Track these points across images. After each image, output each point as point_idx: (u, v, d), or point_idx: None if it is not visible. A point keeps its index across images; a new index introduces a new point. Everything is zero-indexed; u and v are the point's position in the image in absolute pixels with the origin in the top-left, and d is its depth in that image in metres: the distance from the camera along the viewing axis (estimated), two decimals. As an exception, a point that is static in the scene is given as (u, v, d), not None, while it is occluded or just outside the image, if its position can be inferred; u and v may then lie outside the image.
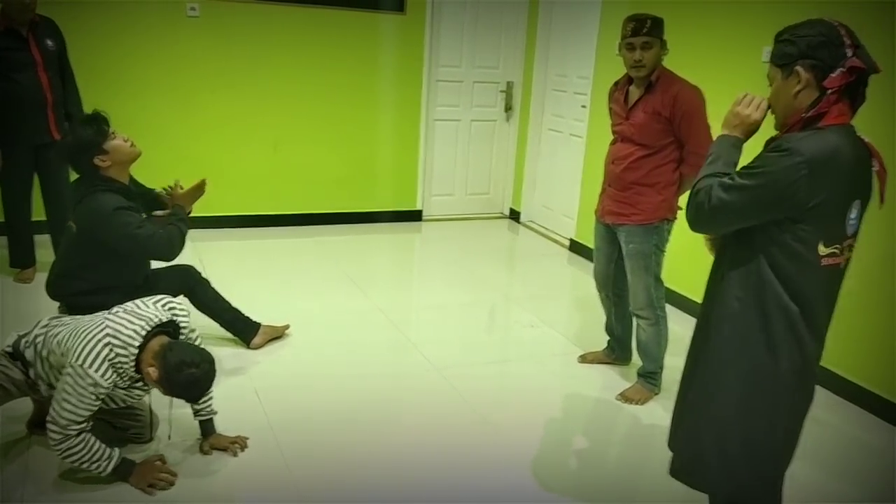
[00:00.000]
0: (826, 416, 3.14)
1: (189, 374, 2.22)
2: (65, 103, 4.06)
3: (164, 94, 5.00)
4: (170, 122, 4.98)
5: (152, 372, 2.23)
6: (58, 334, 2.32)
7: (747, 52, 3.72)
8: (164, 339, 2.31)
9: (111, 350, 2.22)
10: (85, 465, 2.26)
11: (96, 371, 2.19)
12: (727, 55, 3.85)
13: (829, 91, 1.63)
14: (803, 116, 1.67)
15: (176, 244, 2.85)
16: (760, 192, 1.65)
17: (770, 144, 1.71)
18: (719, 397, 1.83)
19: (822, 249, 1.66)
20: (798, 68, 1.67)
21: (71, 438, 2.21)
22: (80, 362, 2.18)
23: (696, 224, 1.84)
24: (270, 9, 5.13)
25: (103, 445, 2.29)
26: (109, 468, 2.30)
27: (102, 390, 2.21)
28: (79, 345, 2.21)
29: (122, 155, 2.81)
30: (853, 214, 1.68)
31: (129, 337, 2.25)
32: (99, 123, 2.77)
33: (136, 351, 2.25)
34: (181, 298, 2.90)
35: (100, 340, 2.22)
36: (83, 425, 2.23)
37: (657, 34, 2.83)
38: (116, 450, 2.32)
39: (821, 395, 3.32)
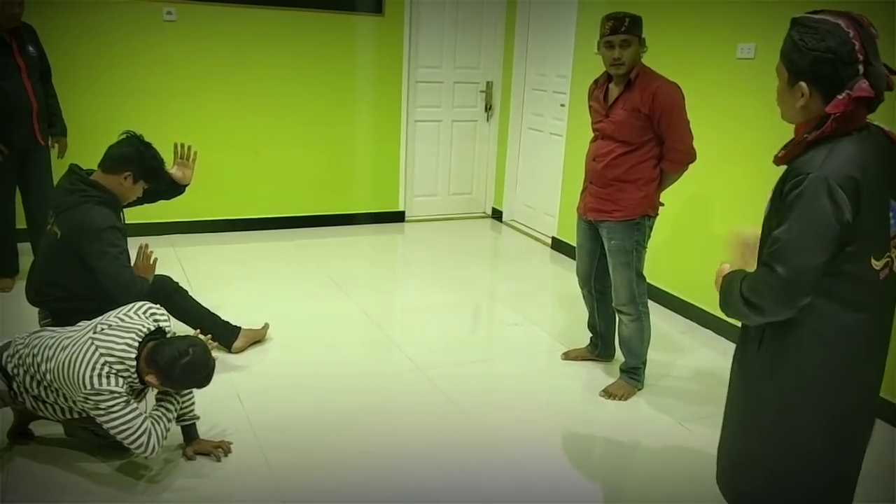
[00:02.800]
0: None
1: (184, 365, 2.26)
2: (47, 109, 4.05)
3: (141, 99, 4.97)
4: (148, 127, 4.85)
5: (152, 379, 2.27)
6: (47, 360, 2.30)
7: (722, 49, 3.76)
8: (149, 346, 2.31)
9: (111, 367, 2.23)
10: (170, 429, 2.39)
11: (108, 383, 2.21)
12: (702, 53, 3.88)
13: (832, 117, 1.52)
14: (806, 139, 1.57)
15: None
16: (810, 242, 1.51)
17: (786, 176, 1.58)
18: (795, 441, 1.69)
19: (875, 263, 1.56)
20: (802, 84, 1.56)
21: (151, 435, 2.29)
22: (89, 388, 2.20)
23: (776, 309, 1.59)
24: (248, 12, 5.11)
25: (160, 413, 2.37)
26: (176, 411, 2.43)
27: (123, 395, 2.24)
28: (78, 376, 2.21)
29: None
30: (893, 214, 1.58)
31: (123, 351, 2.26)
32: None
33: (135, 363, 2.27)
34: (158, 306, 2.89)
35: (96, 362, 2.22)
36: (144, 420, 2.28)
37: (636, 32, 2.85)
38: (166, 403, 2.40)
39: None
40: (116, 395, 2.22)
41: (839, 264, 1.54)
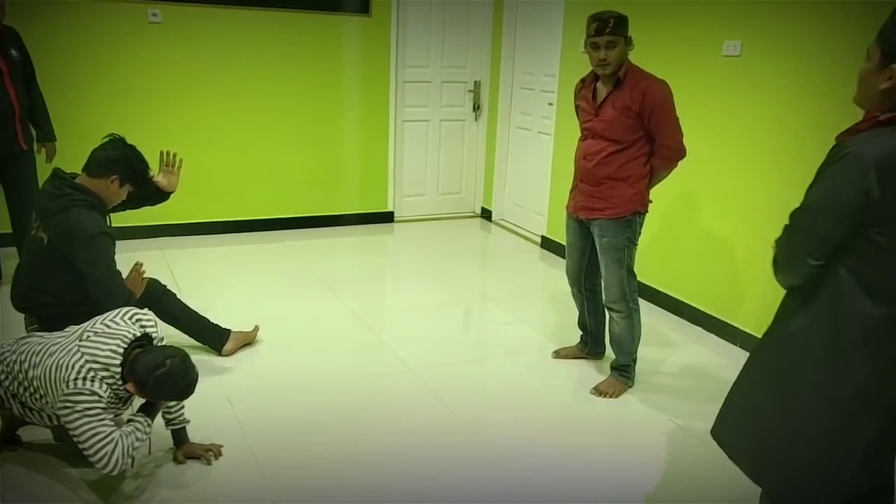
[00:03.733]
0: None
1: (159, 376, 2.21)
2: (31, 113, 4.02)
3: (127, 101, 4.93)
4: (133, 129, 4.85)
5: (131, 388, 2.25)
6: (34, 366, 2.27)
7: (708, 47, 3.78)
8: (132, 354, 2.29)
9: (95, 373, 2.21)
10: (141, 445, 2.27)
11: (91, 385, 2.18)
12: (689, 50, 3.90)
13: None
14: (877, 118, 1.55)
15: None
16: (825, 207, 1.54)
17: (832, 149, 1.57)
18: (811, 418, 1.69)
19: None
20: (894, 66, 1.53)
21: (117, 446, 2.18)
22: (71, 388, 2.16)
23: (787, 269, 1.67)
24: (234, 13, 5.09)
25: (133, 427, 2.27)
26: (149, 429, 2.31)
27: (104, 401, 2.20)
28: (62, 379, 2.19)
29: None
30: None
31: (108, 357, 2.24)
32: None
33: (119, 370, 2.24)
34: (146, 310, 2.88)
35: (81, 367, 2.20)
36: (113, 431, 2.19)
37: (621, 32, 2.85)
38: (140, 417, 2.31)
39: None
40: (96, 398, 2.18)
41: (864, 244, 1.53)
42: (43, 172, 3.88)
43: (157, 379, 2.21)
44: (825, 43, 3.20)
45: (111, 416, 2.25)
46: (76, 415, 2.17)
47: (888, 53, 1.54)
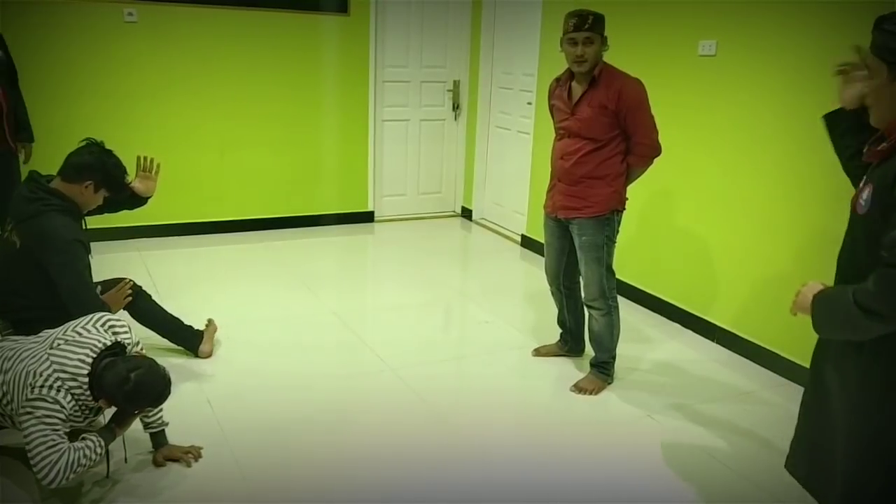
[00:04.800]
0: (772, 396, 3.23)
1: (128, 391, 2.19)
2: (16, 111, 4.02)
3: (103, 101, 4.89)
4: (110, 130, 4.85)
5: (104, 404, 2.24)
6: (3, 371, 2.24)
7: (683, 47, 3.82)
8: (103, 362, 2.27)
9: (63, 383, 2.18)
10: (90, 465, 2.20)
11: (55, 394, 2.15)
12: (664, 50, 3.94)
13: None
14: None
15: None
16: None
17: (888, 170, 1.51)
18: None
19: None
20: None
21: (62, 457, 2.11)
22: (34, 394, 2.14)
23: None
24: (211, 12, 5.05)
25: (85, 441, 2.21)
26: (101, 451, 2.23)
27: (65, 412, 2.16)
28: (28, 386, 2.16)
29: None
30: None
31: (76, 367, 2.21)
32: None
33: (87, 380, 2.21)
34: (121, 313, 2.85)
35: (49, 376, 2.17)
36: (66, 444, 2.14)
37: (598, 30, 2.88)
38: (93, 435, 2.23)
39: (767, 375, 3.43)
40: (58, 408, 2.14)
41: None
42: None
43: (126, 395, 2.20)
44: (798, 43, 3.25)
45: (68, 428, 2.19)
46: (33, 420, 2.13)
47: (893, 62, 1.52)
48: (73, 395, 2.20)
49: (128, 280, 3.05)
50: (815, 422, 1.86)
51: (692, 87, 3.81)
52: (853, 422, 1.69)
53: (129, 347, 2.42)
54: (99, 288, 2.96)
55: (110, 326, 2.39)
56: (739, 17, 3.51)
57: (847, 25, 3.02)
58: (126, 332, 2.43)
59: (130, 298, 3.08)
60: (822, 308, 1.65)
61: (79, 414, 2.25)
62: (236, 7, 5.11)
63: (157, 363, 2.32)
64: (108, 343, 2.31)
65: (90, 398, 2.23)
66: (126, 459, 2.53)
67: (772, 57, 3.38)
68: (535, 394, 3.25)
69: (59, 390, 2.17)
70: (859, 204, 1.61)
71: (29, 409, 2.14)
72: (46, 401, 2.14)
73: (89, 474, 2.41)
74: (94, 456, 2.20)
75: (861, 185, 1.67)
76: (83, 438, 2.22)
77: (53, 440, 2.13)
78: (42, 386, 2.15)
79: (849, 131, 1.86)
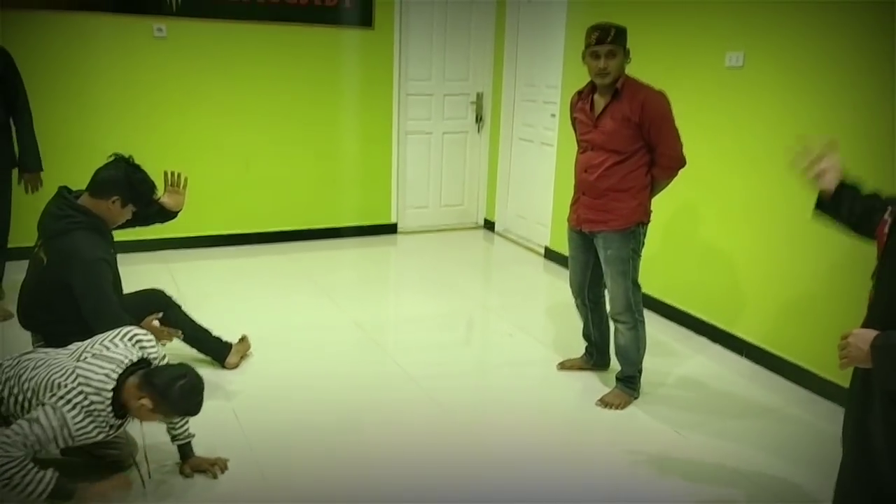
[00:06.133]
0: (800, 412, 3.18)
1: (183, 385, 2.23)
2: (15, 126, 3.91)
3: (132, 116, 4.96)
4: (139, 144, 4.93)
5: (146, 402, 2.22)
6: (30, 379, 2.27)
7: (710, 58, 3.79)
8: (139, 373, 2.28)
9: (86, 397, 2.19)
10: (18, 490, 2.12)
11: (69, 412, 2.15)
12: (691, 62, 3.91)
13: None
14: None
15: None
16: None
17: None
18: None
19: None
20: None
21: (12, 461, 2.08)
22: (56, 403, 2.15)
23: None
24: (238, 27, 5.12)
25: (41, 470, 2.16)
26: (47, 491, 2.16)
27: (66, 435, 2.15)
28: (54, 394, 2.18)
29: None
30: None
31: (101, 382, 2.22)
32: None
33: (111, 395, 2.22)
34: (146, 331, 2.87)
35: (73, 388, 2.18)
36: (24, 454, 2.11)
37: (621, 42, 2.87)
38: (50, 471, 2.19)
39: (794, 391, 3.38)
40: (53, 427, 2.11)
41: None
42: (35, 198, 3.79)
43: (182, 389, 2.22)
44: (828, 55, 3.21)
45: (55, 448, 2.16)
46: (26, 419, 2.13)
47: None
48: (91, 412, 2.19)
49: (158, 315, 3.05)
50: (859, 478, 1.73)
51: (719, 99, 3.78)
52: None
53: (156, 362, 2.44)
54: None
55: (137, 341, 2.41)
56: (767, 28, 3.48)
57: (879, 36, 2.98)
58: (153, 347, 2.44)
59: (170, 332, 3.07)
60: (891, 358, 1.52)
61: (90, 431, 2.22)
62: (263, 22, 5.17)
63: (198, 374, 2.34)
64: (135, 359, 2.32)
65: (111, 414, 2.23)
66: (150, 475, 2.53)
67: (801, 69, 3.34)
68: (560, 408, 3.23)
69: (74, 406, 2.16)
70: None
71: (37, 410, 2.15)
72: (52, 416, 2.13)
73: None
74: (25, 485, 2.10)
75: None
76: (46, 468, 2.15)
77: (14, 445, 2.09)
78: (62, 398, 2.16)
79: (843, 205, 1.86)
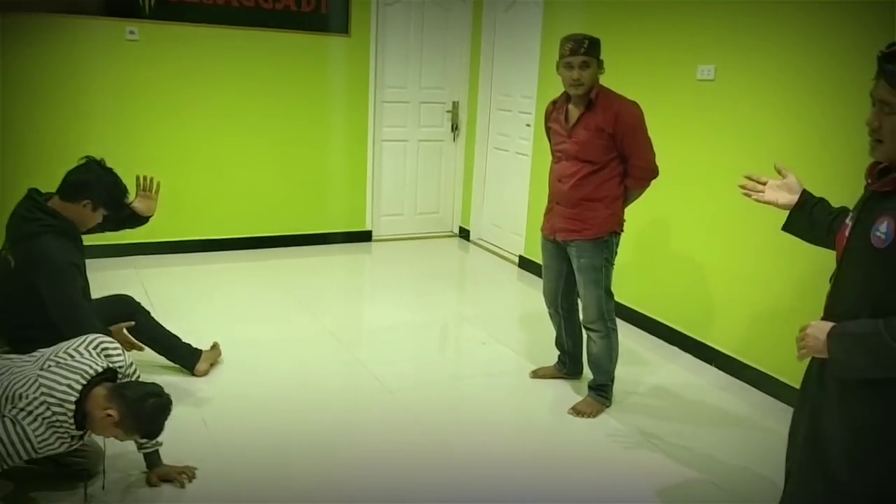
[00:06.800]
0: (770, 422, 3.22)
1: (154, 403, 2.20)
2: None
3: (103, 119, 4.90)
4: (109, 148, 4.84)
5: (113, 414, 2.16)
6: None
7: (682, 71, 3.84)
8: (107, 384, 2.24)
9: (48, 408, 2.13)
10: None
11: (31, 424, 2.09)
12: (663, 75, 3.96)
13: None
14: None
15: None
16: None
17: None
18: None
19: None
20: None
21: None
22: (17, 415, 2.10)
23: None
24: (212, 32, 5.08)
25: None
26: None
27: (29, 448, 2.09)
28: (15, 404, 2.12)
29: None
30: None
31: (64, 393, 2.16)
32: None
33: (73, 407, 2.16)
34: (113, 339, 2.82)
35: (34, 399, 2.12)
36: None
37: (594, 54, 2.90)
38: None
39: (765, 401, 3.42)
40: (12, 442, 2.06)
41: None
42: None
43: (153, 407, 2.19)
44: (798, 68, 3.28)
45: (11, 463, 2.10)
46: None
47: None
48: (52, 423, 2.13)
49: (130, 324, 3.01)
50: (810, 470, 1.78)
51: (691, 111, 3.83)
52: (862, 461, 1.63)
53: (123, 370, 2.39)
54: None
55: (104, 349, 2.36)
56: (738, 42, 3.54)
57: (847, 50, 3.04)
58: (119, 356, 2.39)
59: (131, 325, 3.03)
60: (846, 346, 1.59)
61: (53, 443, 2.16)
62: (237, 27, 5.14)
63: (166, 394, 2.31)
64: (100, 369, 2.27)
65: (73, 426, 2.17)
66: (104, 487, 2.45)
67: (771, 82, 3.40)
68: (533, 416, 3.23)
69: (36, 419, 2.10)
70: (876, 237, 1.56)
71: (4, 419, 2.09)
72: (11, 429, 2.06)
73: (81, 494, 2.39)
74: None
75: (860, 217, 1.64)
76: None
77: None
78: (22, 409, 2.10)
79: (810, 217, 1.92)
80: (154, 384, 2.31)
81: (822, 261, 3.13)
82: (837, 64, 3.08)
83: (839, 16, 3.07)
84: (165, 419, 2.29)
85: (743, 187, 2.04)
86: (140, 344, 2.95)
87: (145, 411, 2.18)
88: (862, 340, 1.56)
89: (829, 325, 1.64)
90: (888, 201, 1.57)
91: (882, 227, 1.55)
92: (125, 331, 2.90)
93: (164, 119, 5.08)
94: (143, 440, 2.46)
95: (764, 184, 2.01)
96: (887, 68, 1.53)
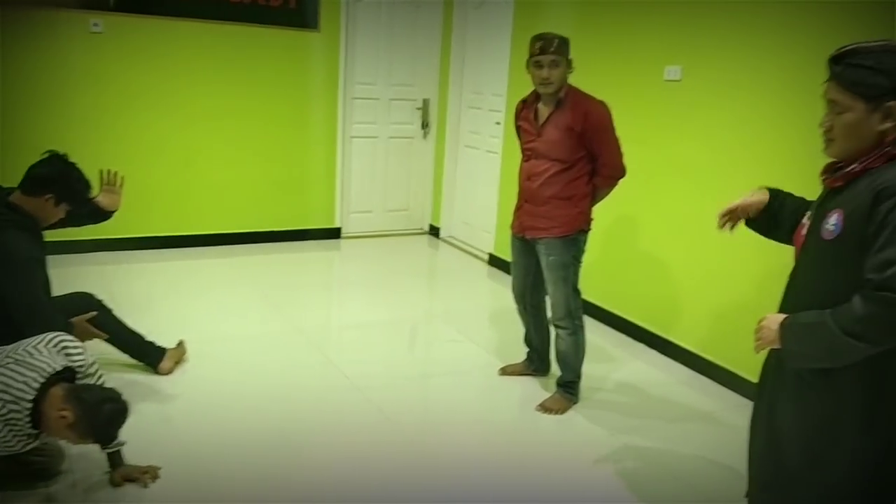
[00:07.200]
0: (734, 417, 3.27)
1: (111, 409, 2.17)
2: None
3: (66, 112, 4.80)
4: (74, 142, 4.77)
5: (68, 416, 2.12)
6: None
7: (650, 71, 3.88)
8: (65, 385, 2.20)
9: (3, 405, 2.09)
10: None
11: None
12: (631, 75, 4.00)
13: None
14: (891, 152, 1.54)
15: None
16: None
17: (879, 194, 1.50)
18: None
19: None
20: (891, 104, 1.51)
21: None
22: None
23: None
24: (180, 25, 5.01)
25: None
26: None
27: None
28: None
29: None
30: None
31: (20, 391, 2.12)
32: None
33: (30, 405, 2.12)
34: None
35: None
36: None
37: (563, 53, 2.92)
38: None
39: (729, 396, 3.47)
40: None
41: None
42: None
43: (110, 412, 2.15)
44: (761, 69, 3.33)
45: None
46: None
47: (873, 97, 1.53)
48: (8, 421, 2.09)
49: (92, 315, 2.96)
50: (767, 460, 1.85)
51: (658, 111, 3.88)
52: (817, 452, 1.68)
53: (84, 370, 2.34)
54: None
55: (63, 348, 2.31)
56: (705, 43, 3.59)
57: (812, 49, 3.10)
58: (80, 354, 2.34)
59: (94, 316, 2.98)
60: (796, 336, 1.64)
61: (10, 440, 2.13)
62: (204, 20, 5.07)
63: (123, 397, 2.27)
64: (59, 368, 2.23)
65: (28, 424, 2.13)
66: (67, 486, 2.43)
67: (735, 83, 3.46)
68: (501, 413, 3.25)
69: None
70: (826, 230, 1.61)
71: None
72: None
73: (43, 494, 2.35)
74: None
75: (816, 213, 1.69)
76: None
77: None
78: None
79: (774, 217, 1.98)
80: (112, 389, 2.27)
81: (783, 259, 3.20)
82: (798, 64, 3.15)
83: (799, 16, 3.13)
84: (121, 426, 2.25)
85: (723, 224, 2.10)
86: (103, 334, 2.90)
87: (101, 416, 2.14)
88: (811, 330, 1.60)
89: (782, 316, 1.69)
90: (839, 196, 1.62)
91: (832, 220, 1.60)
92: (86, 322, 2.85)
93: (129, 113, 4.99)
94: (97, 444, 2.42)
95: (735, 209, 2.05)
96: (835, 69, 1.58)
